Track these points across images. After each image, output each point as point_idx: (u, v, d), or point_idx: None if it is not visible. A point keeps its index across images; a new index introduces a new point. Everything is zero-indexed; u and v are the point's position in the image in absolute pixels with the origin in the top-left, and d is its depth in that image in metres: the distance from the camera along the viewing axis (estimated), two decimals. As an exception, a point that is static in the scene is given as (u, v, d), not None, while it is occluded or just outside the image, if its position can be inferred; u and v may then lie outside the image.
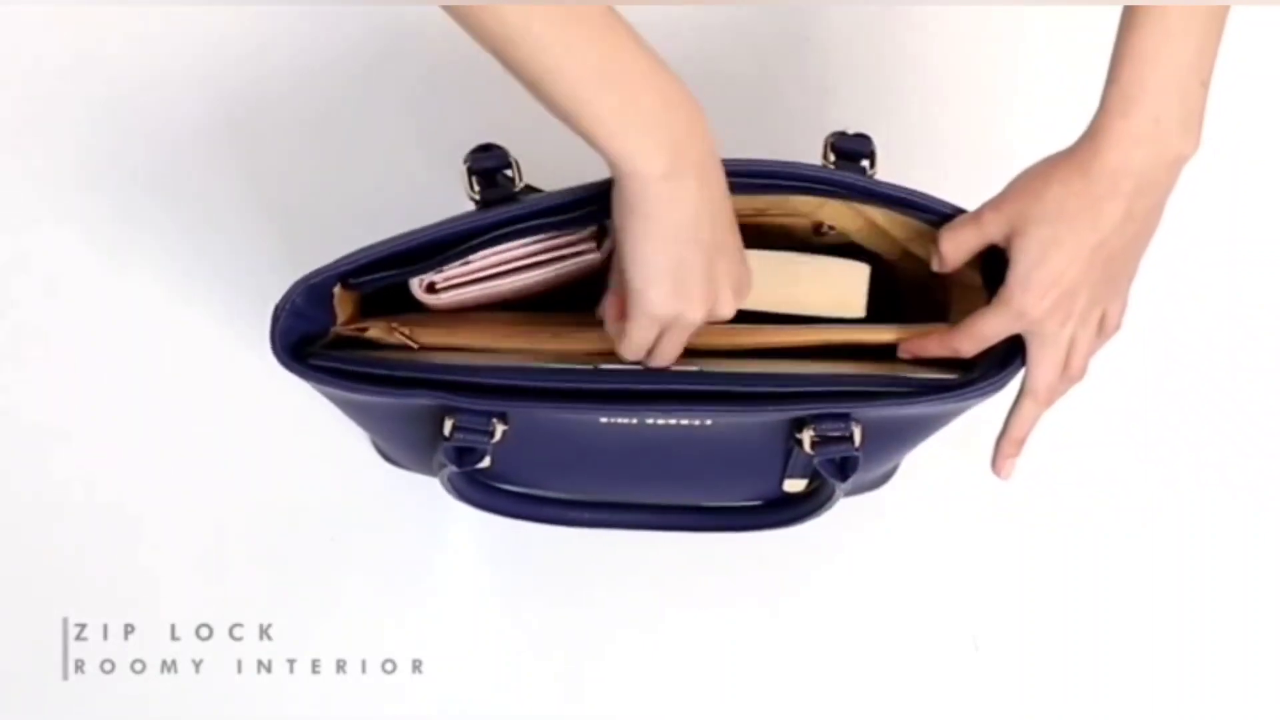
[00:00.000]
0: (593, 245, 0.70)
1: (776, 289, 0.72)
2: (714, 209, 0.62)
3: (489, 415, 0.68)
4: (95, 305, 0.92)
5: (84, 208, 0.93)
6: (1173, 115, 0.61)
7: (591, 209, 0.67)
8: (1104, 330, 0.69)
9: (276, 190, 0.94)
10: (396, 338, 0.70)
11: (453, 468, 0.71)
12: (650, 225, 0.60)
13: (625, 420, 0.69)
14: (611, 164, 0.59)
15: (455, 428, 0.68)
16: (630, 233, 0.61)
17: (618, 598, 0.89)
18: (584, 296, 0.72)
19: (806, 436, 0.69)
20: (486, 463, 0.73)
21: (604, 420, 0.70)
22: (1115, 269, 0.66)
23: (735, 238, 0.65)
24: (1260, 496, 0.93)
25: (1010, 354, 0.69)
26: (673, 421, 0.70)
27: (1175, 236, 0.95)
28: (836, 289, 0.72)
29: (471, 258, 0.69)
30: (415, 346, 0.70)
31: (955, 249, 0.68)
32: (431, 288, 0.70)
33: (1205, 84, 0.62)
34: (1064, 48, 0.96)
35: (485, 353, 0.70)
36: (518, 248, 0.69)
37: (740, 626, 0.89)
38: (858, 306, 0.73)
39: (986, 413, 0.92)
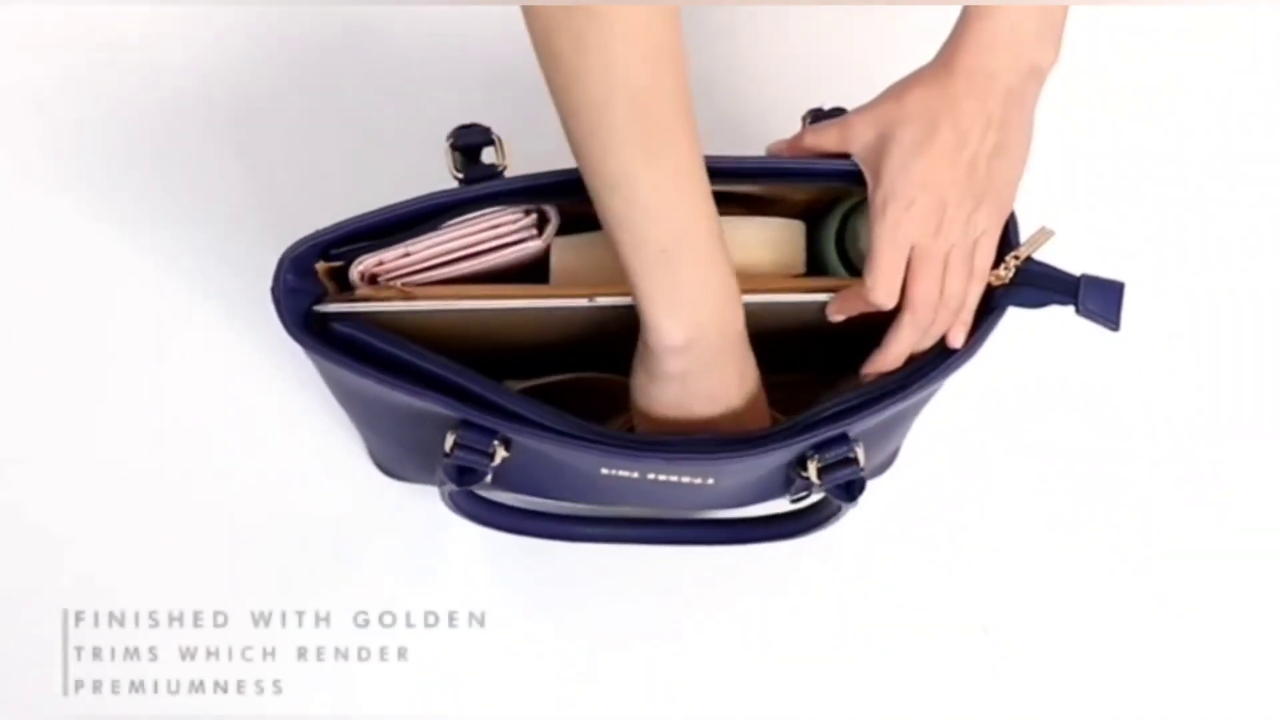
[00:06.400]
0: (534, 233, 0.69)
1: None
2: (710, 387, 0.66)
3: (491, 435, 0.67)
4: (97, 306, 0.92)
5: (82, 206, 0.94)
6: (1030, 24, 0.63)
7: (570, 190, 0.66)
8: (975, 272, 0.67)
9: (278, 186, 0.94)
10: (388, 293, 0.68)
11: (453, 486, 0.71)
12: (651, 378, 0.67)
13: (626, 474, 0.69)
14: (640, 316, 0.64)
15: (456, 444, 0.67)
16: (637, 374, 0.68)
17: (622, 608, 0.88)
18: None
19: (812, 468, 0.69)
20: (488, 480, 0.72)
21: (605, 471, 0.69)
22: (979, 181, 0.65)
23: (744, 410, 0.68)
24: (1262, 489, 0.92)
25: (985, 321, 0.68)
26: (674, 479, 0.70)
27: (1173, 236, 0.96)
28: (776, 249, 0.72)
29: (412, 249, 0.68)
30: (408, 294, 0.68)
31: (816, 142, 0.68)
32: (374, 279, 0.69)
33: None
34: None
35: (482, 297, 0.68)
36: (459, 237, 0.68)
37: (746, 621, 0.88)
38: (798, 264, 0.73)
39: (991, 400, 0.91)
